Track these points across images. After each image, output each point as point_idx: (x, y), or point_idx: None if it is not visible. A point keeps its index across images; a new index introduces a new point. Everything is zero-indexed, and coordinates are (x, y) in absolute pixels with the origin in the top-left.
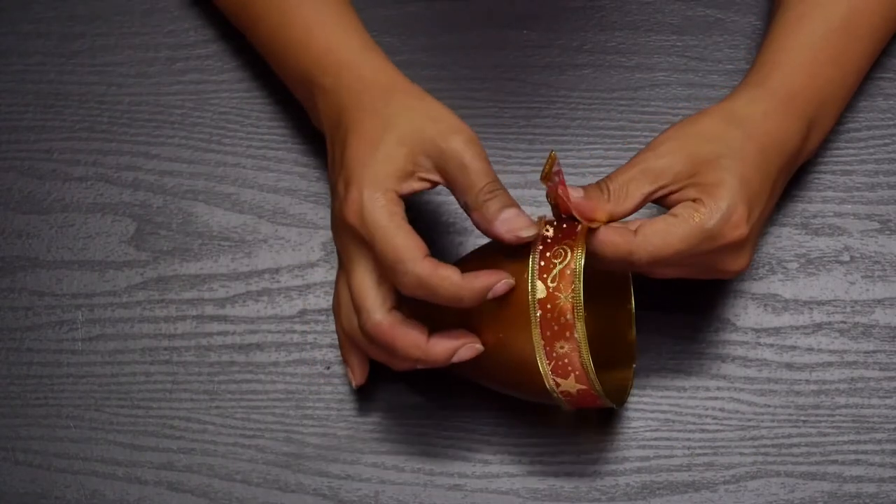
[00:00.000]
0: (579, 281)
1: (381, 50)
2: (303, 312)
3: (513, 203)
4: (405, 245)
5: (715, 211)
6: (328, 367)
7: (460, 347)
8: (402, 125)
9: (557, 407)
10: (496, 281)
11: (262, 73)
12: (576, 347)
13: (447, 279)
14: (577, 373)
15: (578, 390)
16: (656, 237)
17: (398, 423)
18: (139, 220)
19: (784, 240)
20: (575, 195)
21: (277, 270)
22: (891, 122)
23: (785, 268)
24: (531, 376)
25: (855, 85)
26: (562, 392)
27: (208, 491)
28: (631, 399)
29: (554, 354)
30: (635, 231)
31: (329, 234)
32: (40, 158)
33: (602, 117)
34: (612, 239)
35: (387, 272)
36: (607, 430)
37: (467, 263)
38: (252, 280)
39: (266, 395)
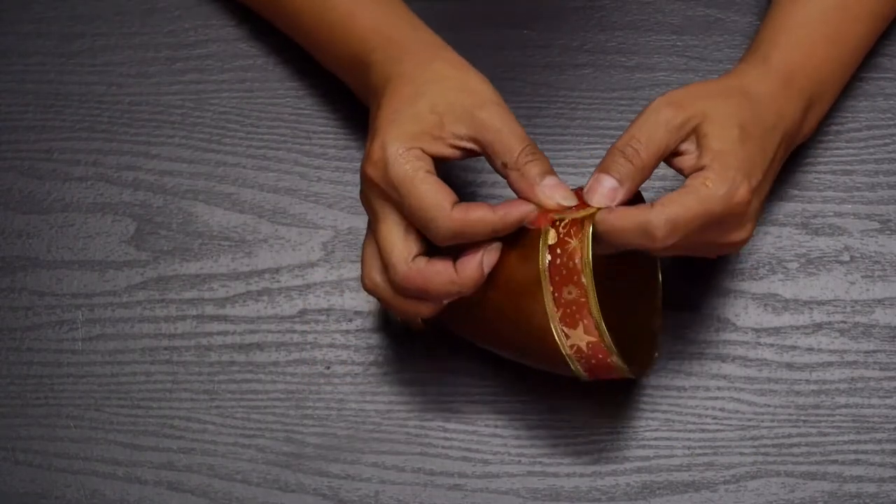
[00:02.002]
0: (589, 226)
1: (426, 26)
2: (303, 312)
3: (552, 171)
4: (433, 199)
5: (725, 179)
6: (328, 367)
7: (484, 256)
8: (435, 93)
9: (558, 406)
10: (528, 210)
11: (262, 74)
12: (583, 293)
13: (481, 221)
14: (585, 321)
15: (589, 344)
16: (673, 204)
17: (398, 423)
18: (139, 220)
19: (784, 240)
20: (607, 184)
21: (277, 270)
22: (891, 122)
23: (785, 268)
24: (542, 333)
25: (852, 66)
26: (572, 349)
27: (208, 491)
28: (631, 399)
29: (562, 300)
30: (651, 206)
31: (329, 233)
32: (40, 158)
33: (602, 117)
34: (628, 213)
35: (418, 226)
36: (607, 430)
37: None
38: (252, 280)
39: (266, 395)
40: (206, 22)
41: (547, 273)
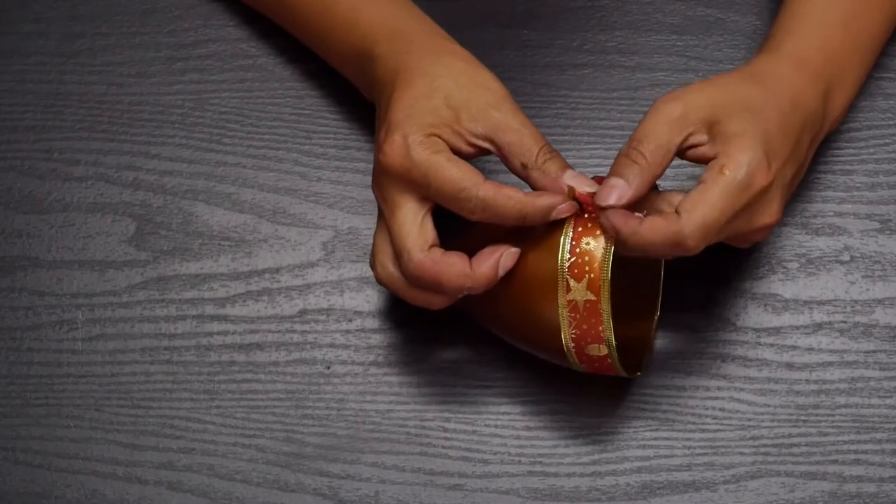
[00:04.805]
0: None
1: (430, 19)
2: (303, 312)
3: (570, 166)
4: (461, 174)
5: (742, 163)
6: (328, 367)
7: (501, 258)
8: (450, 88)
9: (558, 406)
10: (560, 202)
11: (262, 74)
12: (601, 245)
13: (511, 198)
14: (592, 276)
15: (586, 303)
16: (698, 207)
17: (398, 423)
18: (139, 220)
19: (784, 240)
20: (614, 183)
21: (277, 270)
22: (891, 122)
23: (785, 268)
24: (547, 298)
25: (872, 52)
26: (570, 305)
27: (208, 491)
28: (631, 399)
29: (578, 250)
30: (677, 213)
31: (329, 233)
32: (40, 158)
33: (602, 117)
34: (657, 226)
35: (448, 202)
36: (607, 431)
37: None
38: (252, 280)
39: (266, 394)
40: (206, 22)
41: (572, 224)
